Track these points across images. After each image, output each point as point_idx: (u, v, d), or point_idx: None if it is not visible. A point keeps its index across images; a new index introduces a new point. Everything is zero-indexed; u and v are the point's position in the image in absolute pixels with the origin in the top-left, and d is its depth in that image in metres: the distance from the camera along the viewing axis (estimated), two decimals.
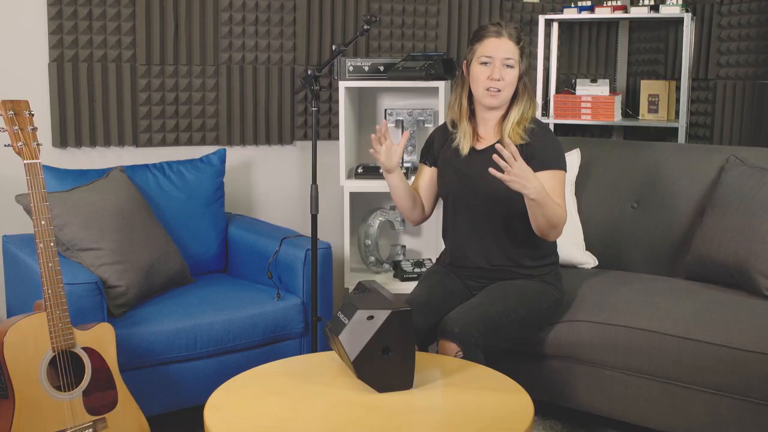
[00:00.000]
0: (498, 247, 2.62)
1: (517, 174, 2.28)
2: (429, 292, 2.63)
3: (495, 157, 2.29)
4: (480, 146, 2.64)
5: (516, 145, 2.44)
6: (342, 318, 2.10)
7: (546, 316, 2.66)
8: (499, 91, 2.54)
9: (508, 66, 2.54)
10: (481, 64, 2.55)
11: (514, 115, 2.58)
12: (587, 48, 4.44)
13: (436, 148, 2.74)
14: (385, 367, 2.04)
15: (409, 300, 2.57)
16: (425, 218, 2.79)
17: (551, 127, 4.21)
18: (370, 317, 2.03)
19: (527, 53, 2.61)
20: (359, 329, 2.03)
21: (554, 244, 2.70)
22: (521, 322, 2.54)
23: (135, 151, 3.42)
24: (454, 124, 2.68)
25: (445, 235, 2.76)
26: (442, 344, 2.39)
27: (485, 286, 2.62)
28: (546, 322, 2.69)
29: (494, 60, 2.53)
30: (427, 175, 2.76)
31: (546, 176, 2.49)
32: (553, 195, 2.46)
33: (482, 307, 2.47)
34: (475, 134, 2.66)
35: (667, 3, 3.89)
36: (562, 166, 2.58)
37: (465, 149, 2.63)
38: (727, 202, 2.90)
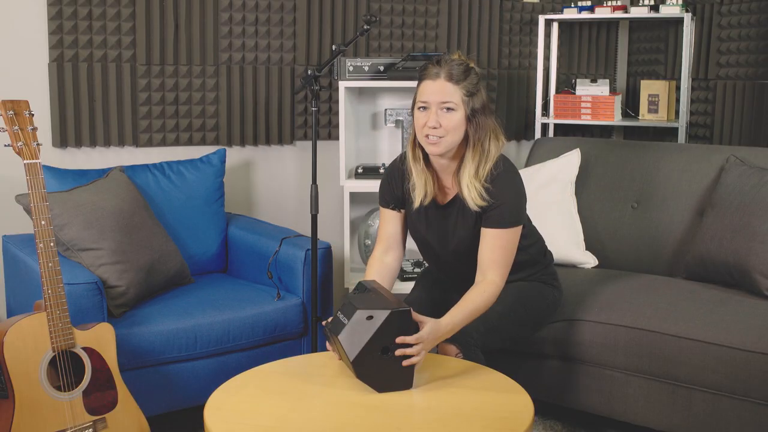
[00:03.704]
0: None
1: (426, 349, 2.13)
2: (428, 292, 2.63)
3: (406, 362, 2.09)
4: (444, 200, 2.46)
5: (476, 205, 2.34)
6: (341, 318, 2.10)
7: (545, 315, 2.65)
8: (439, 137, 2.30)
9: (447, 110, 2.29)
10: (419, 109, 2.33)
11: (469, 169, 2.34)
12: (587, 48, 4.44)
13: (397, 189, 2.51)
14: (384, 367, 2.04)
15: (408, 300, 2.57)
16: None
17: (551, 127, 4.21)
18: (370, 317, 2.03)
19: (477, 90, 2.33)
20: (359, 329, 2.03)
21: (539, 251, 2.64)
22: (520, 321, 2.54)
23: (135, 151, 3.42)
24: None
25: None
26: (441, 346, 2.39)
27: None
28: (545, 321, 2.69)
29: (430, 105, 2.30)
30: (395, 221, 2.54)
31: (494, 234, 2.35)
32: (496, 252, 2.35)
33: None
34: (436, 183, 2.45)
35: (667, 3, 3.89)
36: (516, 222, 2.39)
37: (417, 201, 2.42)
38: (727, 202, 2.90)
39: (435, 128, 2.29)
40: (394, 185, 2.52)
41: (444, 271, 2.62)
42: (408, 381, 2.07)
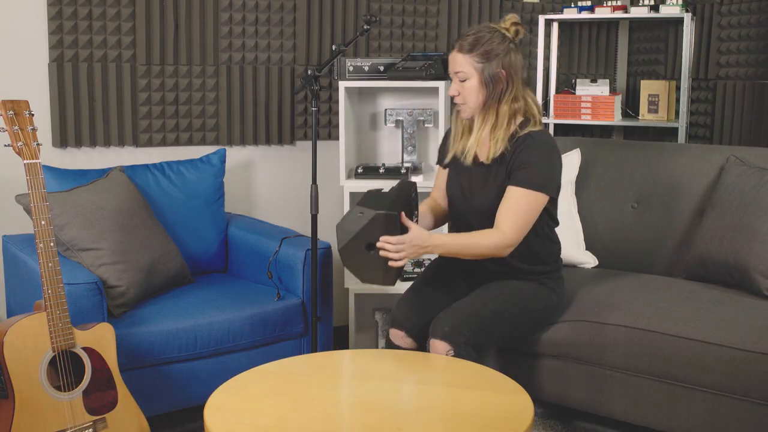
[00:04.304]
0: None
1: (407, 253, 2.26)
2: (431, 285, 2.63)
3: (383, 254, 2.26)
4: (482, 157, 2.55)
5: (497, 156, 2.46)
6: (350, 209, 2.26)
7: (540, 317, 2.64)
8: (462, 103, 2.50)
9: (461, 80, 2.47)
10: (451, 80, 2.54)
11: (477, 131, 2.50)
12: (587, 48, 4.44)
13: (449, 149, 2.67)
14: (368, 262, 2.19)
15: (411, 288, 2.62)
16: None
17: (551, 127, 4.21)
18: (361, 213, 2.17)
19: (498, 54, 2.44)
20: (350, 223, 2.19)
21: (556, 252, 2.67)
22: (514, 321, 2.53)
23: (135, 151, 3.42)
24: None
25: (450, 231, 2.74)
26: (432, 343, 2.40)
27: (483, 283, 2.60)
28: (541, 323, 2.68)
29: (452, 75, 2.50)
30: (443, 178, 2.71)
31: (516, 192, 2.42)
32: (514, 209, 2.40)
33: (473, 307, 2.46)
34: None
35: (667, 3, 3.89)
36: (541, 187, 2.43)
37: (469, 159, 2.54)
38: (727, 202, 2.90)
39: (455, 96, 2.50)
40: (447, 144, 2.67)
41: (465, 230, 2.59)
42: (390, 279, 2.22)
